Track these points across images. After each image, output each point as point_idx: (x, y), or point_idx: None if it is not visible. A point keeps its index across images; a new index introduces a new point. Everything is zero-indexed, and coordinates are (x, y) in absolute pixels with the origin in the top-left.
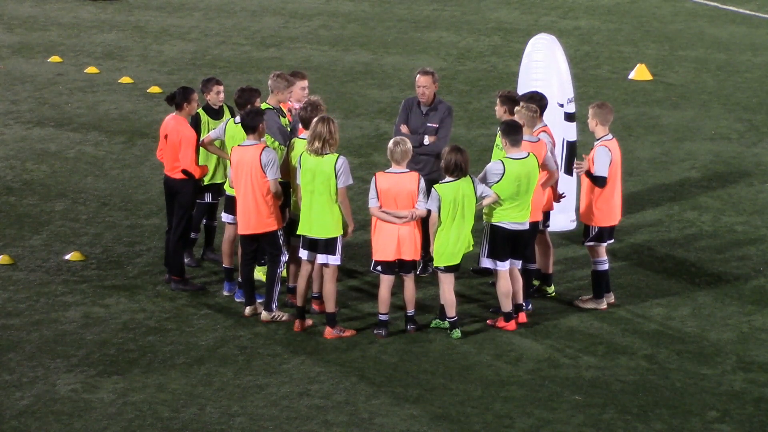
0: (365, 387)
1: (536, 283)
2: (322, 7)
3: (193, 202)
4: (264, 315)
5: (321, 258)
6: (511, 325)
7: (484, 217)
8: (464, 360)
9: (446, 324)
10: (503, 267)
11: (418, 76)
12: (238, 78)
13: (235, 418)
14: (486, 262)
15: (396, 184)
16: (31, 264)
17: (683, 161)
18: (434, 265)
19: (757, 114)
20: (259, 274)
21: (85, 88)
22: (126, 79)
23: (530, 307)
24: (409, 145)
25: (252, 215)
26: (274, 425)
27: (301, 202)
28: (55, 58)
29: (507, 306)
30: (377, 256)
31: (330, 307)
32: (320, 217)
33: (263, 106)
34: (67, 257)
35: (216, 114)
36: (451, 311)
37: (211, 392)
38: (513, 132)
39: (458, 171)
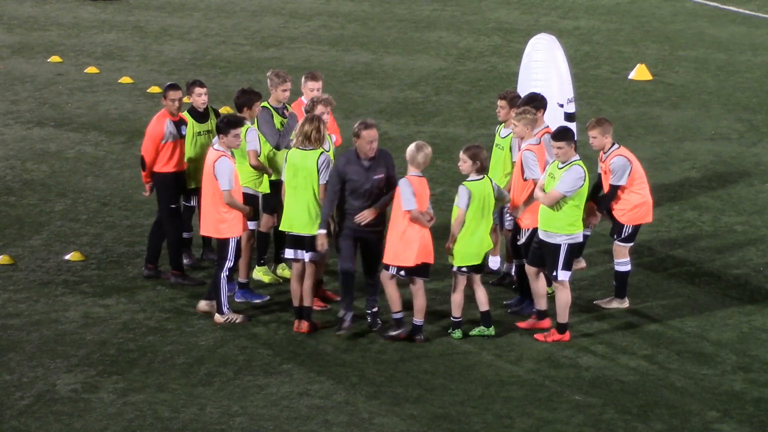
0: (365, 387)
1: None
2: (322, 7)
3: (170, 194)
4: (216, 317)
5: (307, 255)
6: (567, 335)
7: (567, 229)
8: (464, 360)
9: (491, 331)
10: (571, 278)
11: (364, 130)
12: (238, 78)
13: (235, 418)
14: (563, 275)
15: (423, 187)
16: (31, 264)
17: (683, 161)
18: (456, 265)
19: (757, 114)
20: (259, 273)
21: (85, 88)
22: (126, 79)
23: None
24: (430, 149)
25: (207, 217)
26: (274, 425)
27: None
28: (55, 58)
29: (565, 317)
30: (406, 261)
31: (308, 302)
32: (303, 213)
33: (263, 104)
34: (67, 257)
35: (201, 117)
36: (457, 312)
37: (211, 392)
38: (570, 136)
39: (487, 167)
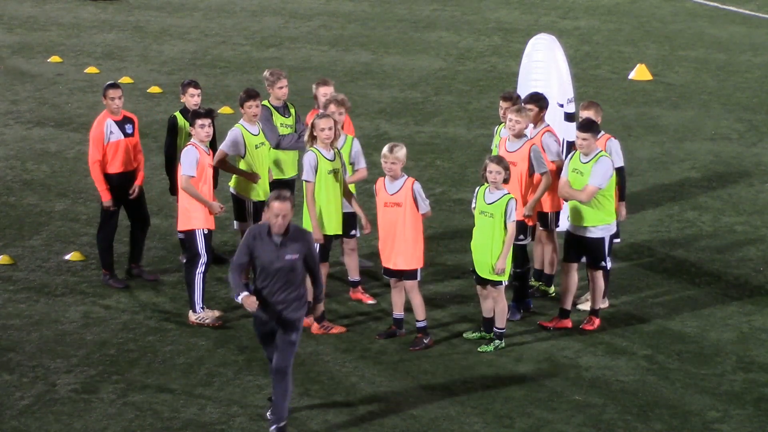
0: (366, 387)
1: (535, 283)
2: (322, 7)
3: (107, 199)
4: (189, 315)
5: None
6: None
7: (606, 220)
8: (464, 360)
9: (489, 335)
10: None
11: (275, 201)
12: (238, 78)
13: (235, 418)
14: (610, 263)
15: None
16: (31, 264)
17: (683, 161)
18: (505, 279)
19: (757, 114)
20: None
21: (85, 88)
22: (126, 79)
23: (530, 305)
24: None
25: (179, 212)
26: None
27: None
28: (55, 58)
29: (600, 302)
30: (421, 261)
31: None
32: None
33: (264, 103)
34: (67, 257)
35: None
36: (503, 322)
37: (211, 392)
38: (596, 128)
39: None
